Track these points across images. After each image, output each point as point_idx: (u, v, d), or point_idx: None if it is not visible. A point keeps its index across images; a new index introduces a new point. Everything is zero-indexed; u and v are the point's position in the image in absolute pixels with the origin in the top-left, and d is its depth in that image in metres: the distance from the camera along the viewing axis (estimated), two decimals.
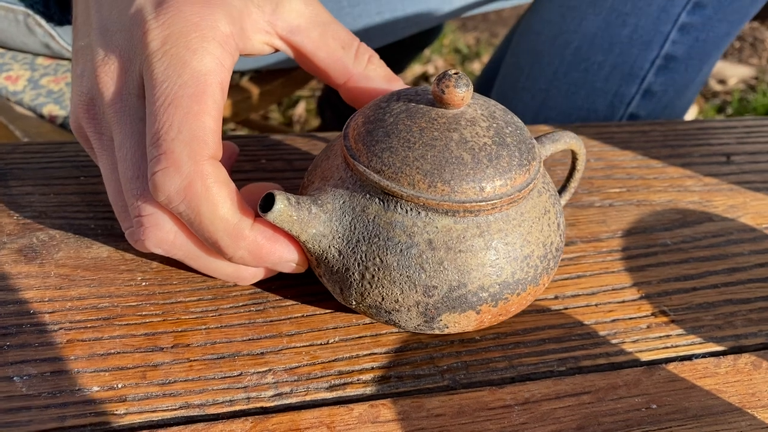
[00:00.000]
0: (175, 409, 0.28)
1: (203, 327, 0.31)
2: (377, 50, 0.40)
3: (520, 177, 0.28)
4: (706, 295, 0.36)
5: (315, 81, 1.11)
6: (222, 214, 0.27)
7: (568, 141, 0.33)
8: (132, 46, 0.29)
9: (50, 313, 0.31)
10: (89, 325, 0.30)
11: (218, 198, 0.27)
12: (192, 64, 0.28)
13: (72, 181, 0.38)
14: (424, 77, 1.57)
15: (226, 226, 0.28)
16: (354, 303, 0.29)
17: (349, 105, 0.35)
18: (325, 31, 0.33)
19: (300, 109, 1.39)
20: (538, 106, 0.62)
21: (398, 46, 0.74)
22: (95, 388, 0.28)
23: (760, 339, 0.34)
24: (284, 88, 0.68)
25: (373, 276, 0.28)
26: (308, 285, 0.33)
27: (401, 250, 0.27)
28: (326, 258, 0.28)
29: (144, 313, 0.31)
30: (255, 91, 0.65)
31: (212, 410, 0.28)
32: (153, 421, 0.27)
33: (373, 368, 0.30)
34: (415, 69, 1.58)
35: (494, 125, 0.29)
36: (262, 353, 0.30)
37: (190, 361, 0.29)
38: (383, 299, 0.28)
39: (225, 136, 0.38)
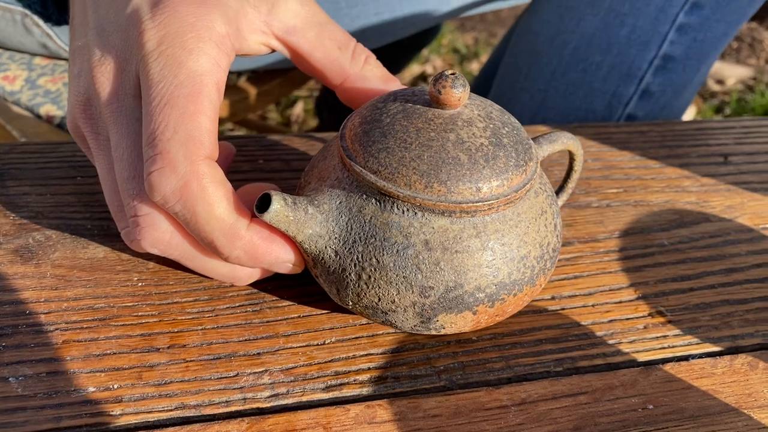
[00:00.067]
0: (171, 410, 0.28)
1: (199, 327, 0.31)
2: (375, 50, 0.40)
3: (517, 177, 0.28)
4: (703, 296, 0.36)
5: (313, 81, 1.11)
6: (218, 214, 0.27)
7: (565, 141, 0.33)
8: (128, 47, 0.29)
9: (46, 313, 0.31)
10: (85, 326, 0.30)
11: (214, 198, 0.27)
12: (188, 65, 0.28)
13: (69, 182, 0.38)
14: (423, 77, 1.57)
15: (222, 226, 0.28)
16: (350, 303, 0.29)
17: (346, 105, 0.35)
18: (322, 31, 0.33)
19: (298, 110, 1.39)
20: (537, 107, 0.62)
21: (396, 46, 0.74)
22: (91, 389, 0.28)
23: (756, 339, 0.34)
24: (282, 88, 0.68)
25: (370, 276, 0.28)
26: (305, 285, 0.33)
27: (398, 250, 0.27)
28: (323, 258, 0.28)
29: (140, 313, 0.31)
30: (252, 91, 0.65)
31: (208, 411, 0.28)
32: (149, 421, 0.27)
33: (369, 369, 0.30)
34: (414, 69, 1.58)
35: (491, 126, 0.29)
36: (258, 354, 0.30)
37: (187, 361, 0.29)
38: (380, 300, 0.28)
39: (222, 137, 0.38)
